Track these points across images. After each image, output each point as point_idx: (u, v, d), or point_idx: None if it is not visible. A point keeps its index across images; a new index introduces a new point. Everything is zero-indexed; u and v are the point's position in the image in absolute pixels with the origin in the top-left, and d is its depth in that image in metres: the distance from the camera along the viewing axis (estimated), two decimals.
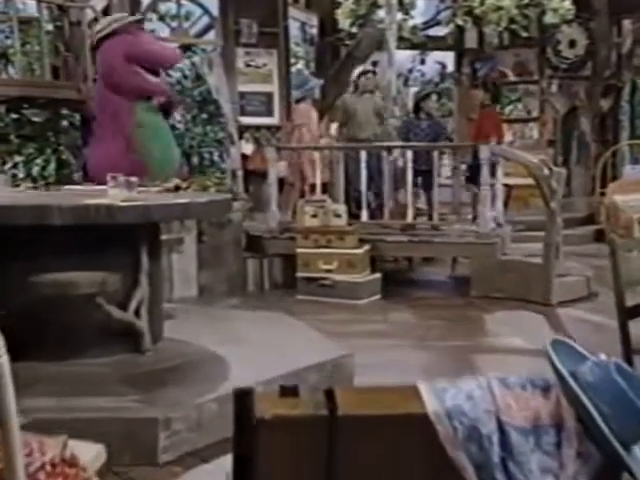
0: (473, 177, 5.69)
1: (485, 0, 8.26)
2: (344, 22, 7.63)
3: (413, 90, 10.75)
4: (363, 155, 5.64)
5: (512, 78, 9.86)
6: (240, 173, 7.73)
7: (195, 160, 9.50)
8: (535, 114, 9.81)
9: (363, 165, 5.61)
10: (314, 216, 5.29)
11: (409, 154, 5.56)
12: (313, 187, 5.83)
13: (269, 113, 8.05)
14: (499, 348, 3.87)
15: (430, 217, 5.79)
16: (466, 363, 3.68)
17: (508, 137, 9.93)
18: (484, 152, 5.20)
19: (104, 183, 3.07)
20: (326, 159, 6.14)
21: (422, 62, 10.22)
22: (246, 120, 7.89)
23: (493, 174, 5.32)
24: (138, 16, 5.74)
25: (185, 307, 4.15)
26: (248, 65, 7.94)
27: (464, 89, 10.05)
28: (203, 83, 9.52)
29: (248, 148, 7.95)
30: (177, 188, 3.68)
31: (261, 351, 3.20)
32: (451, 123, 13.44)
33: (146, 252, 3.11)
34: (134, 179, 3.12)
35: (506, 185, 6.14)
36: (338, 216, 5.32)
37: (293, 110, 6.25)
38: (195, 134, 10.07)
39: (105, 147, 4.95)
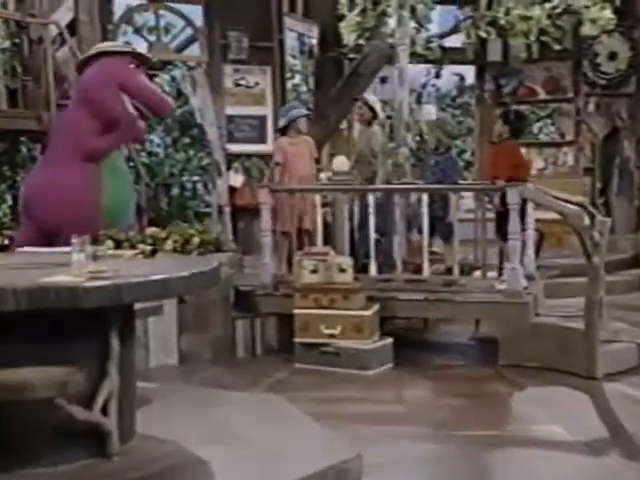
0: (497, 223, 5.63)
1: (511, 9, 8.28)
2: (348, 37, 7.64)
3: (428, 108, 10.71)
4: (371, 199, 5.59)
5: (542, 96, 9.90)
6: (227, 209, 7.71)
7: (176, 190, 9.53)
8: (570, 137, 9.86)
9: (371, 210, 5.58)
10: (314, 271, 5.25)
11: (425, 198, 5.50)
12: (310, 235, 5.78)
13: (261, 139, 8.09)
14: (534, 440, 3.77)
15: (449, 270, 5.71)
16: (495, 460, 3.58)
17: (538, 164, 9.99)
18: (513, 196, 5.15)
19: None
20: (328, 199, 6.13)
21: (437, 76, 10.21)
22: (235, 148, 7.92)
23: (522, 217, 5.28)
24: (147, 54, 5.80)
25: (162, 387, 4.06)
26: (237, 84, 8.00)
27: (486, 107, 10.12)
28: (185, 101, 9.57)
29: (237, 180, 7.98)
30: (154, 252, 3.62)
31: (251, 454, 3.11)
32: (470, 144, 13.62)
33: (116, 337, 3.03)
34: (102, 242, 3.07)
35: (538, 229, 6.08)
36: (343, 271, 5.28)
37: (275, 146, 6.22)
38: (176, 160, 10.15)
39: (56, 171, 5.09)
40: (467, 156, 13.71)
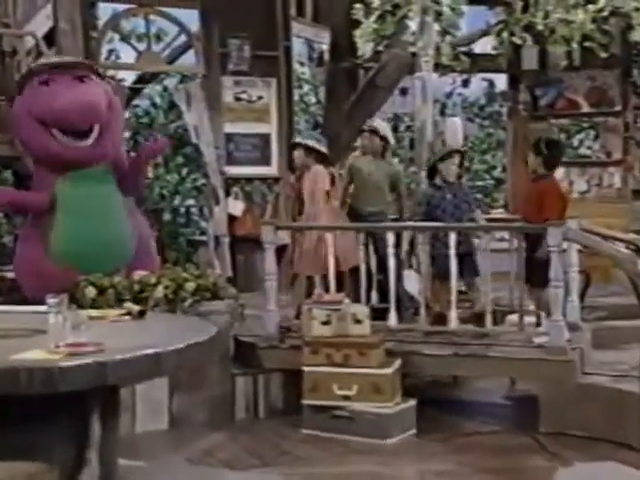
0: (531, 265, 5.52)
1: (551, 13, 8.23)
2: (364, 47, 7.60)
3: (453, 120, 10.64)
4: (391, 238, 5.54)
5: (585, 109, 9.84)
6: (226, 240, 7.69)
7: (167, 216, 9.50)
8: (617, 155, 9.77)
9: (391, 251, 5.52)
10: (326, 323, 5.18)
11: (452, 238, 5.43)
12: (325, 278, 5.72)
13: (265, 161, 8.10)
14: None
15: (478, 317, 5.63)
16: None
17: (580, 185, 9.91)
18: (554, 237, 5.06)
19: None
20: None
21: (465, 84, 10.15)
22: (235, 170, 7.92)
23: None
24: (67, 58, 5.69)
25: (149, 466, 3.98)
26: (238, 99, 7.99)
27: (520, 121, 10.06)
28: (179, 115, 9.57)
29: (237, 207, 7.98)
30: (142, 313, 3.55)
31: None
32: (500, 159, 13.58)
33: (98, 420, 2.96)
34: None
35: (583, 271, 6.01)
36: (358, 322, 5.19)
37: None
38: (167, 182, 10.14)
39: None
40: (497, 173, 13.71)
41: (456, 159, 6.11)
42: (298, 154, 6.06)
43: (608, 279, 8.27)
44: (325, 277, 5.67)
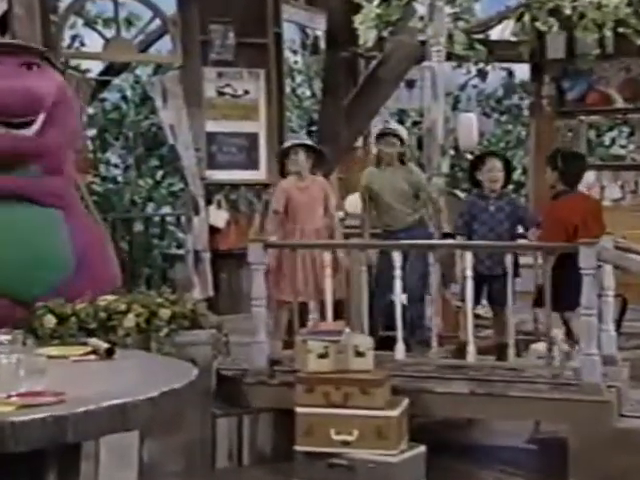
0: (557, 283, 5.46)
1: None
2: (366, 34, 7.58)
3: (468, 116, 10.61)
4: (397, 257, 5.48)
5: (619, 104, 9.82)
6: (207, 256, 7.65)
7: (139, 226, 9.44)
8: None
9: (398, 273, 5.47)
10: (323, 356, 5.13)
11: (468, 256, 5.38)
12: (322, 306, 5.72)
13: (252, 164, 8.07)
14: None
15: (501, 350, 5.59)
16: None
17: (613, 192, 9.89)
18: (587, 258, 5.01)
19: None
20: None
21: (481, 76, 10.14)
22: (218, 175, 7.92)
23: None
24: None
25: None
26: (221, 93, 7.98)
27: (544, 117, 10.06)
28: (152, 110, 9.52)
29: (220, 218, 7.95)
30: (110, 351, 3.47)
31: None
32: (520, 158, 13.55)
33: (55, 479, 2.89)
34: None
35: (619, 295, 5.95)
36: (360, 355, 5.14)
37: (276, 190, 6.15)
38: (139, 187, 10.09)
39: None
40: (516, 175, 13.67)
41: (493, 164, 5.94)
42: (303, 158, 6.00)
43: None
44: (322, 303, 5.66)
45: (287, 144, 6.32)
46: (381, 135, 6.37)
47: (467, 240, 5.84)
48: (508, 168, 5.98)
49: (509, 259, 5.46)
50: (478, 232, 5.84)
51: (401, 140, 6.22)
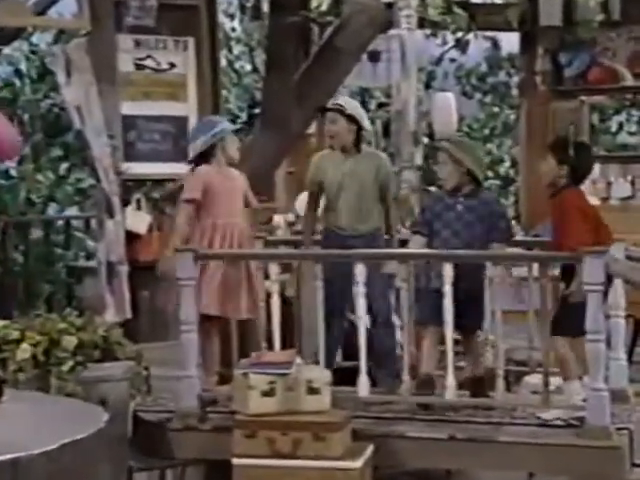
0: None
1: None
2: None
3: (444, 96, 10.63)
4: (361, 270, 5.46)
5: (628, 81, 9.91)
6: (124, 269, 7.60)
7: (37, 232, 9.33)
8: None
9: (361, 290, 5.47)
10: (268, 394, 5.13)
11: (448, 269, 5.38)
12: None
13: (180, 155, 7.89)
14: None
15: (475, 384, 5.64)
16: None
17: (621, 189, 9.97)
18: (594, 270, 5.01)
19: None
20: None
21: (462, 48, 10.18)
22: (137, 169, 7.86)
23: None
24: None
25: None
26: (140, 67, 7.94)
27: (538, 99, 10.12)
28: (53, 87, 9.42)
29: (140, 221, 7.90)
30: None
31: None
32: (509, 148, 13.66)
33: None
34: None
35: (631, 315, 6.03)
36: (314, 392, 5.17)
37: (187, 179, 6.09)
38: (38, 183, 9.99)
39: None
40: (504, 168, 13.81)
41: (440, 157, 5.92)
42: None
43: None
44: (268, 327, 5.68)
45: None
46: (323, 110, 6.36)
47: (427, 242, 5.82)
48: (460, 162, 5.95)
49: (491, 270, 5.51)
50: (440, 235, 5.79)
51: (349, 118, 6.10)
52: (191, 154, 6.05)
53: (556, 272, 5.68)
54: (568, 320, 5.34)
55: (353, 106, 6.20)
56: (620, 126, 12.87)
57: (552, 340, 5.47)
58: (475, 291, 5.64)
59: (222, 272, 5.77)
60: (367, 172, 6.05)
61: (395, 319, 6.07)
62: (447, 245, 5.73)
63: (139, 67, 7.90)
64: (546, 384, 5.42)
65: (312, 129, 9.25)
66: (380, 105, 12.33)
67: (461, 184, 5.79)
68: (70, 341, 5.07)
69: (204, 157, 5.95)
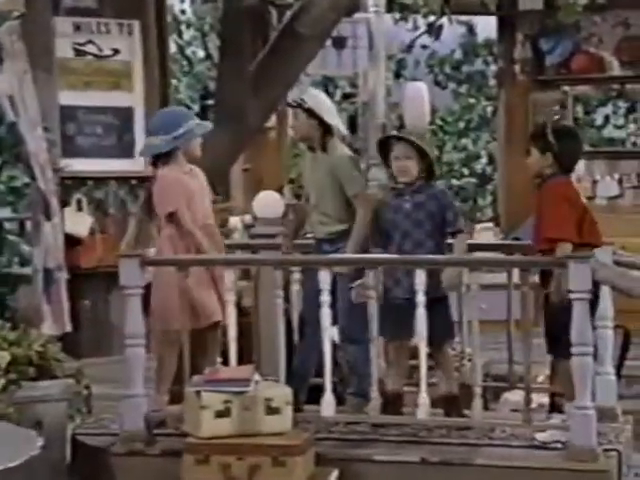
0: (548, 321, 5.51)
1: None
2: None
3: (416, 86, 10.64)
4: (325, 278, 5.47)
5: (615, 70, 9.97)
6: (63, 276, 7.58)
7: None
8: None
9: (326, 298, 5.46)
10: (222, 415, 5.10)
11: (420, 275, 5.37)
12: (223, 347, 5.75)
13: (125, 151, 8.04)
14: None
15: (448, 402, 5.63)
16: None
17: (609, 187, 10.02)
18: (580, 277, 5.00)
19: None
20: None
21: (435, 34, 10.22)
22: (78, 165, 7.86)
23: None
24: None
25: None
26: (81, 53, 7.93)
27: (517, 89, 10.19)
28: None
29: (81, 224, 7.90)
30: None
31: None
32: (486, 142, 13.69)
33: None
34: None
35: (620, 326, 6.04)
36: (274, 412, 5.17)
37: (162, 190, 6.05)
38: None
39: None
40: (481, 165, 13.84)
41: (399, 148, 5.90)
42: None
43: None
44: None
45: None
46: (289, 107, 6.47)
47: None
48: (424, 156, 5.96)
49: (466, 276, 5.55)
50: (392, 241, 5.82)
51: (309, 112, 6.09)
52: (146, 150, 6.05)
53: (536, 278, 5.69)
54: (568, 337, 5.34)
55: (316, 99, 6.17)
56: (606, 119, 12.91)
57: (558, 364, 5.49)
58: (439, 298, 5.65)
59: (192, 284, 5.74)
60: (324, 172, 6.06)
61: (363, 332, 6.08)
62: (400, 249, 5.74)
63: (79, 53, 7.91)
64: (528, 402, 5.41)
65: (271, 122, 9.21)
66: (345, 96, 12.34)
67: (416, 179, 5.84)
68: (2, 357, 5.07)
69: (162, 156, 5.93)
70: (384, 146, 5.95)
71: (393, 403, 5.65)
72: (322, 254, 5.91)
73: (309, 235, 6.28)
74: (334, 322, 5.74)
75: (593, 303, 5.18)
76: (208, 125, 6.07)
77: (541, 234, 5.46)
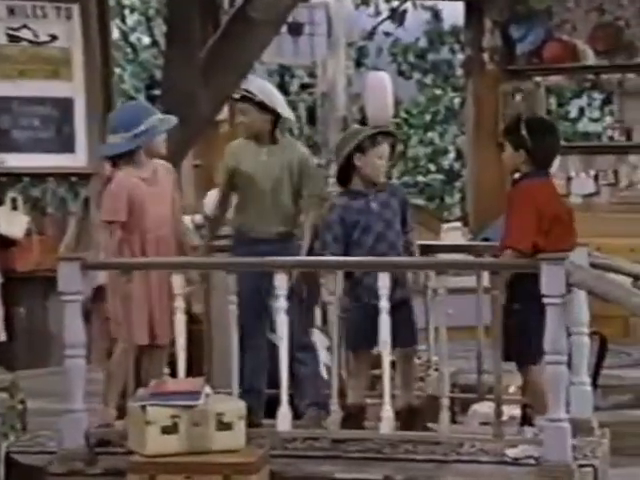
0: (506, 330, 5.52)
1: None
2: None
3: (378, 76, 10.66)
4: (282, 282, 5.47)
5: (590, 60, 10.02)
6: None
7: None
8: None
9: (283, 305, 5.48)
10: (169, 431, 5.10)
11: (384, 279, 5.39)
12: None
13: (65, 145, 8.09)
14: None
15: (408, 415, 5.70)
16: None
17: (584, 185, 10.07)
18: (552, 281, 5.04)
19: None
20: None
21: (398, 20, 10.26)
22: (13, 161, 7.93)
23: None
24: None
25: None
26: (15, 38, 7.96)
27: (486, 79, 10.24)
28: None
29: (17, 224, 7.91)
30: None
31: None
32: (454, 137, 13.73)
33: None
34: None
35: (596, 332, 6.09)
36: (225, 427, 5.17)
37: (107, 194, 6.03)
38: None
39: None
40: (448, 160, 13.87)
41: (385, 146, 5.97)
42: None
43: (631, 337, 8.44)
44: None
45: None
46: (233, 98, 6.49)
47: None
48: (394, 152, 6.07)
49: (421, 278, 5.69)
50: (363, 244, 5.83)
51: (259, 105, 6.07)
52: (105, 150, 6.09)
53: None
54: (529, 343, 5.35)
55: (265, 91, 6.17)
56: (581, 111, 13.03)
57: (524, 373, 5.53)
58: (404, 303, 5.73)
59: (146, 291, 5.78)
60: (281, 166, 6.09)
61: (317, 339, 6.08)
62: (374, 253, 5.76)
63: (13, 39, 7.95)
64: (498, 414, 5.43)
65: (223, 115, 9.20)
66: (303, 86, 12.36)
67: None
68: None
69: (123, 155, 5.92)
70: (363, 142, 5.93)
71: (355, 417, 5.67)
72: (258, 256, 5.85)
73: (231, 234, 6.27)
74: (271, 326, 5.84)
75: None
76: (173, 119, 6.07)
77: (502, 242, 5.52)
